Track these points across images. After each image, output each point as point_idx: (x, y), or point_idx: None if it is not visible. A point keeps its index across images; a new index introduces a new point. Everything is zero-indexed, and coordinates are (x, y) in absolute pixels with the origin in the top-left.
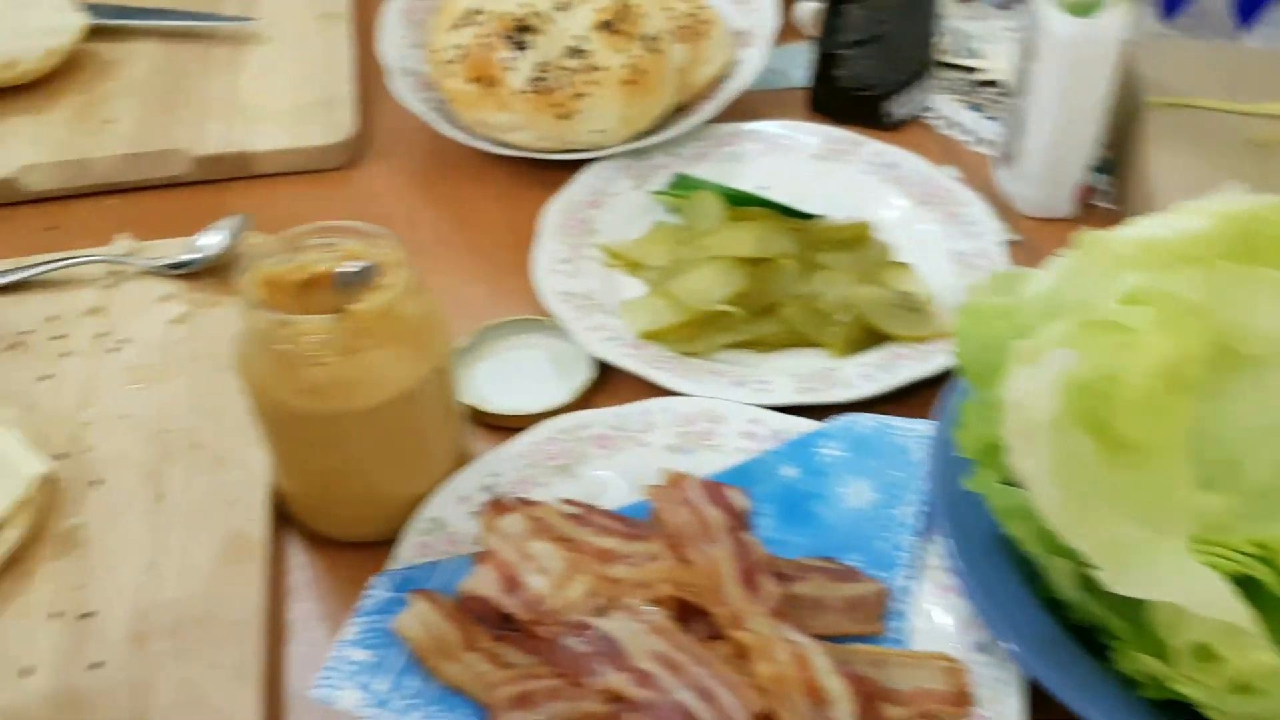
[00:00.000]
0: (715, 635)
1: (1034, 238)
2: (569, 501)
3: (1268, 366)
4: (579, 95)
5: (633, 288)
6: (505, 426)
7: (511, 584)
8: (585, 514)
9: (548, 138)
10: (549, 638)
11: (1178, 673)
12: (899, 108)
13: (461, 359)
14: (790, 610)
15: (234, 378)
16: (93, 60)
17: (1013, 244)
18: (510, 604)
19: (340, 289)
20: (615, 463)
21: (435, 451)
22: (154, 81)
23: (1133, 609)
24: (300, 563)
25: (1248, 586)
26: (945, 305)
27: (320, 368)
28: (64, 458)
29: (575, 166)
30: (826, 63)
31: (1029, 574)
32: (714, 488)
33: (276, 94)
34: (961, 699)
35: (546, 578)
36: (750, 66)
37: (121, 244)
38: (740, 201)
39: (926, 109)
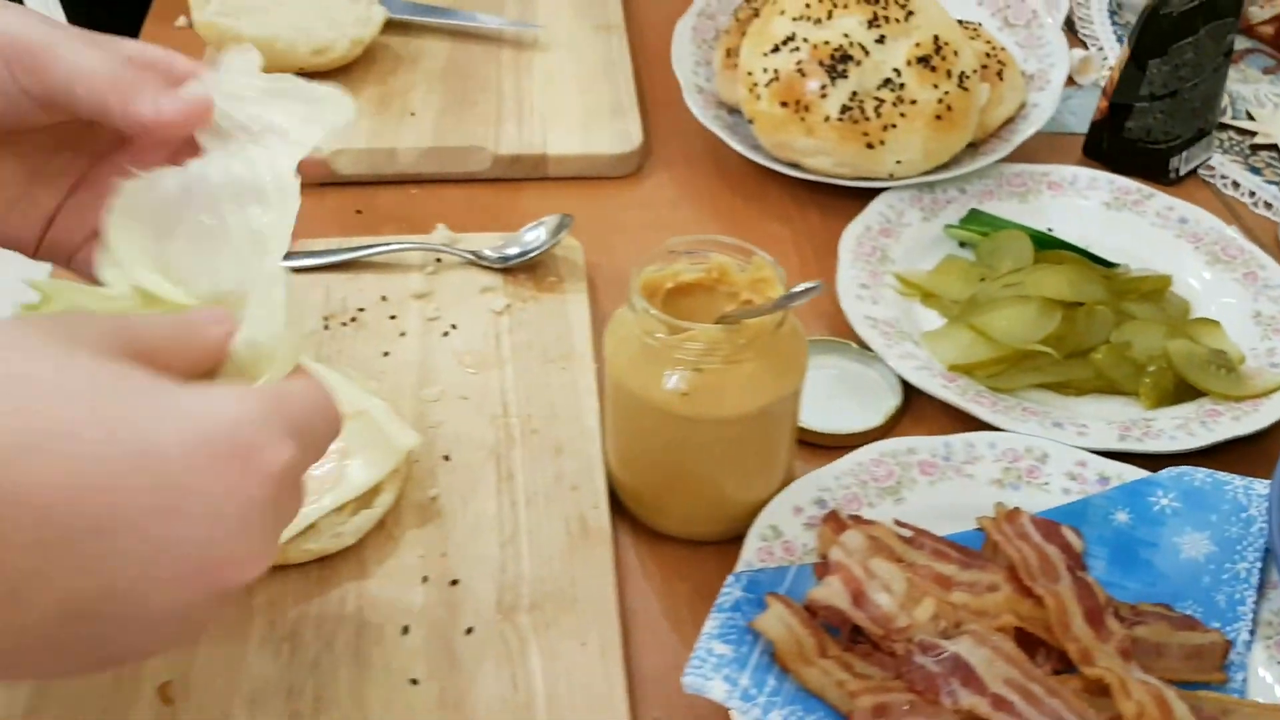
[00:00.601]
0: (1057, 670)
1: None
2: (900, 523)
3: None
4: (888, 126)
5: (929, 318)
6: (818, 445)
7: (859, 598)
8: (917, 537)
9: (847, 165)
10: (900, 654)
11: None
12: (1182, 164)
13: None
14: (1132, 652)
15: (559, 372)
16: (388, 53)
17: None
18: (859, 617)
19: (778, 307)
20: (939, 490)
21: (776, 464)
22: (447, 78)
23: None
24: (630, 552)
25: None
26: (1255, 366)
27: (698, 373)
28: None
29: (856, 194)
30: (1119, 113)
31: None
32: (1049, 525)
33: (564, 100)
34: None
35: (891, 596)
36: (1043, 111)
37: (441, 233)
38: (1045, 244)
39: (1208, 168)
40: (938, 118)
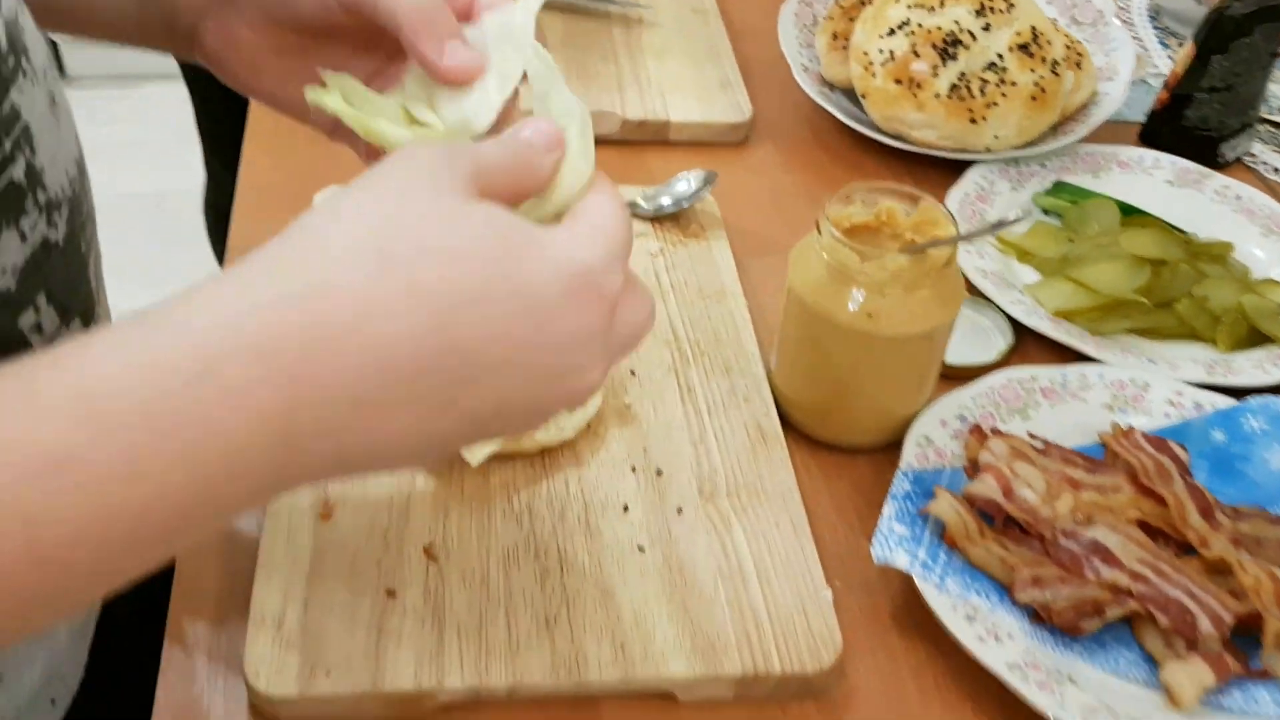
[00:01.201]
0: (1177, 555)
1: None
2: (1032, 435)
3: None
4: (991, 104)
5: (1024, 273)
6: (945, 375)
7: (1009, 493)
8: (1048, 447)
9: (950, 138)
10: (1047, 538)
11: None
12: (1230, 151)
13: None
14: (1241, 541)
15: (715, 305)
16: None
17: None
18: (1010, 507)
19: (994, 229)
20: (1059, 412)
21: (928, 382)
22: (567, 50)
23: None
24: (794, 457)
25: None
26: None
27: (881, 297)
28: None
29: (946, 166)
30: (1180, 103)
31: None
32: (1159, 441)
33: (677, 73)
34: None
35: (1034, 492)
36: (1114, 98)
37: None
38: (1127, 212)
39: (1251, 155)
40: (1033, 98)
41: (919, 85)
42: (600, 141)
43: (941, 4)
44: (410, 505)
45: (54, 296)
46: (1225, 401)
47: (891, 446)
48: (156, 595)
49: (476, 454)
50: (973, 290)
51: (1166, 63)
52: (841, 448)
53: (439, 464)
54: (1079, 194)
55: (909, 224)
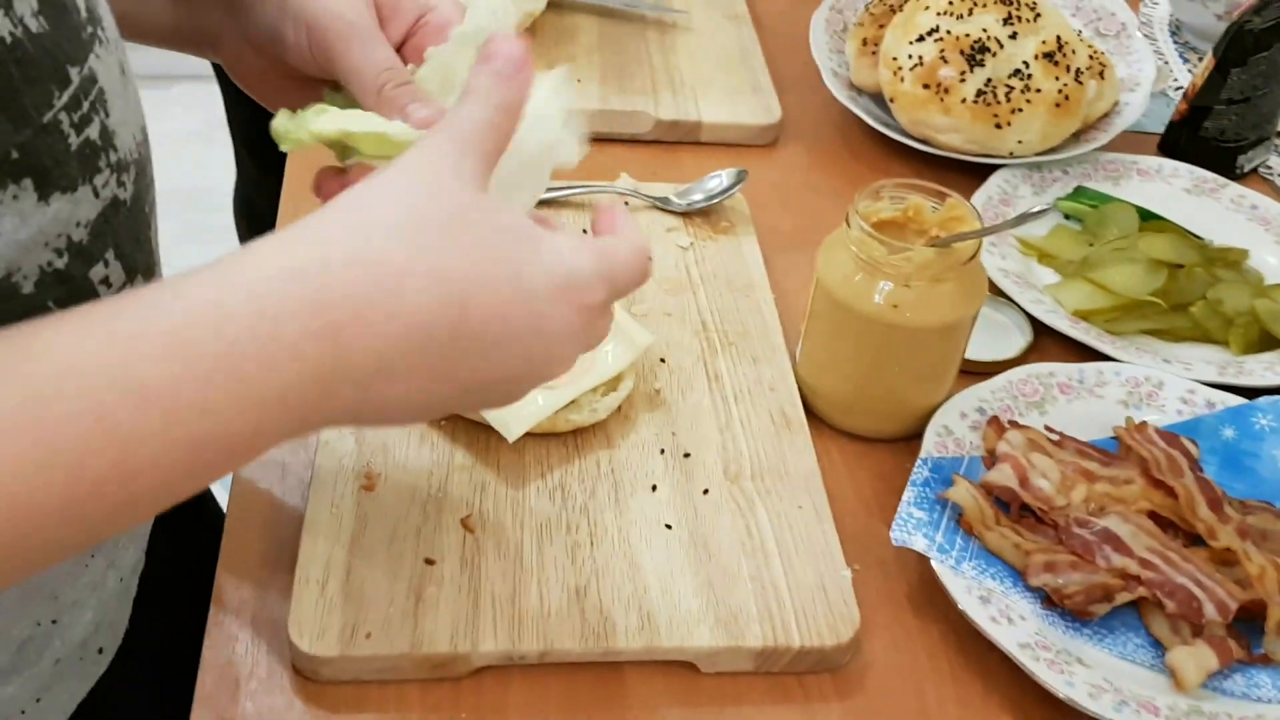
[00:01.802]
0: (1186, 545)
1: None
2: (1049, 428)
3: None
4: (1016, 110)
5: (1044, 275)
6: (965, 370)
7: (1025, 482)
8: (1064, 440)
9: (975, 142)
10: (1060, 526)
11: None
12: (1247, 162)
13: None
14: (1248, 533)
15: (744, 298)
16: (548, 28)
17: None
18: (1026, 496)
19: (1017, 223)
20: (1075, 407)
21: (949, 375)
22: (603, 52)
23: None
24: (817, 444)
25: None
26: None
27: (907, 289)
28: None
29: (970, 171)
30: (1198, 115)
31: None
32: (1171, 435)
33: (709, 76)
34: None
35: (1049, 482)
36: (1134, 109)
37: (626, 181)
38: (1145, 217)
39: (1268, 167)
40: (1057, 105)
41: (946, 90)
42: (634, 141)
43: (970, 12)
44: (449, 479)
45: (121, 252)
46: (1236, 400)
47: (912, 437)
48: (196, 556)
49: (513, 430)
50: (994, 290)
51: (1186, 76)
52: (864, 437)
53: (469, 438)
54: (1099, 199)
55: (935, 220)
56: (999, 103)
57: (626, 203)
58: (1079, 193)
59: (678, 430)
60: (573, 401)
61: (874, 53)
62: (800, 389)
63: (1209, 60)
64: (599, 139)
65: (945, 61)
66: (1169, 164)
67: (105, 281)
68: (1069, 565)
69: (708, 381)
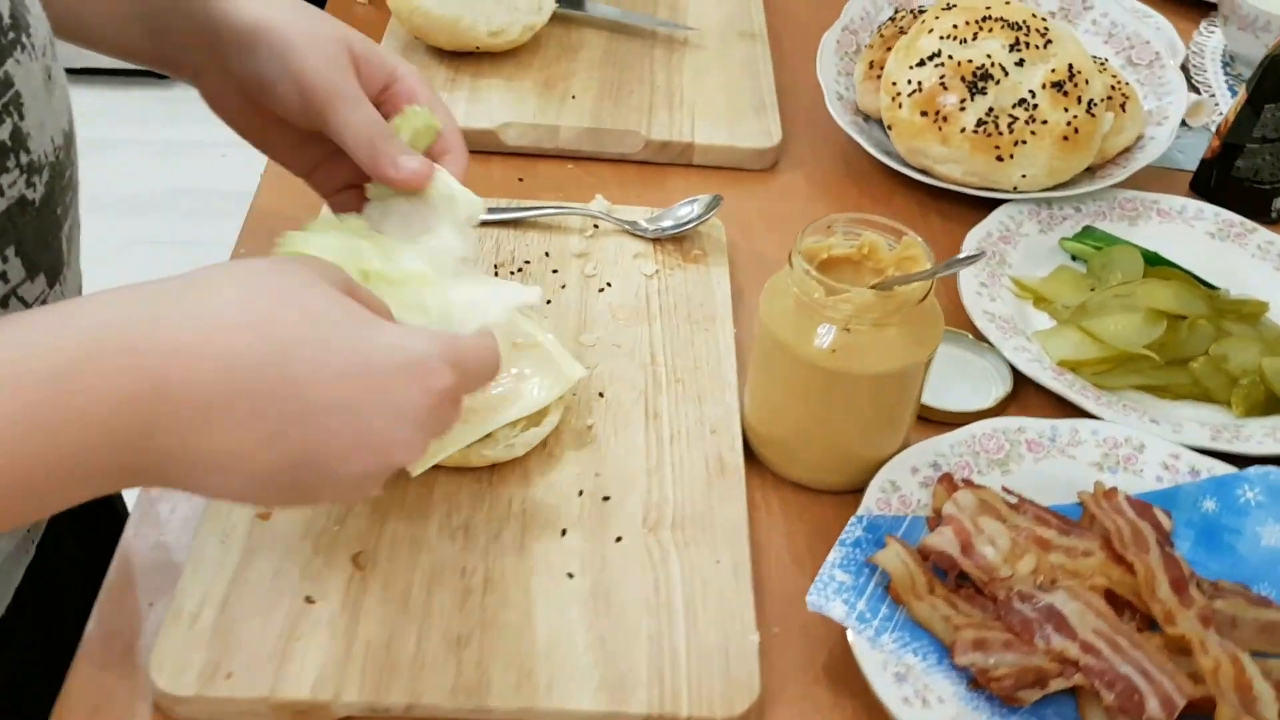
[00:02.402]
0: (1140, 630)
1: None
2: (1007, 490)
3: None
4: (1019, 142)
5: (1039, 320)
6: (932, 420)
7: (968, 548)
8: (1022, 503)
9: (975, 174)
10: (1000, 600)
11: None
12: None
13: None
14: (1211, 620)
15: (702, 332)
16: (553, 41)
17: None
18: (966, 564)
19: (940, 272)
20: (1043, 467)
21: (900, 425)
22: (605, 67)
23: None
24: (757, 493)
25: None
26: None
27: (847, 333)
28: None
29: (976, 203)
30: (1230, 152)
31: None
32: (1142, 505)
33: (711, 95)
34: None
35: (996, 550)
36: (1159, 144)
37: (599, 203)
38: (1154, 262)
39: None
40: (1064, 138)
41: (945, 118)
42: (622, 160)
43: (975, 36)
44: (350, 512)
45: (23, 251)
46: (1224, 469)
47: (861, 490)
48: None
49: (418, 463)
50: (977, 334)
51: None
52: (809, 487)
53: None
54: (1106, 240)
55: (891, 259)
56: (1000, 133)
57: (596, 225)
58: (1085, 233)
59: (603, 471)
60: (489, 435)
61: (879, 76)
62: (746, 433)
63: (1241, 94)
64: (586, 158)
65: (945, 88)
66: (1193, 204)
67: (2, 277)
68: (1002, 644)
69: (645, 420)
